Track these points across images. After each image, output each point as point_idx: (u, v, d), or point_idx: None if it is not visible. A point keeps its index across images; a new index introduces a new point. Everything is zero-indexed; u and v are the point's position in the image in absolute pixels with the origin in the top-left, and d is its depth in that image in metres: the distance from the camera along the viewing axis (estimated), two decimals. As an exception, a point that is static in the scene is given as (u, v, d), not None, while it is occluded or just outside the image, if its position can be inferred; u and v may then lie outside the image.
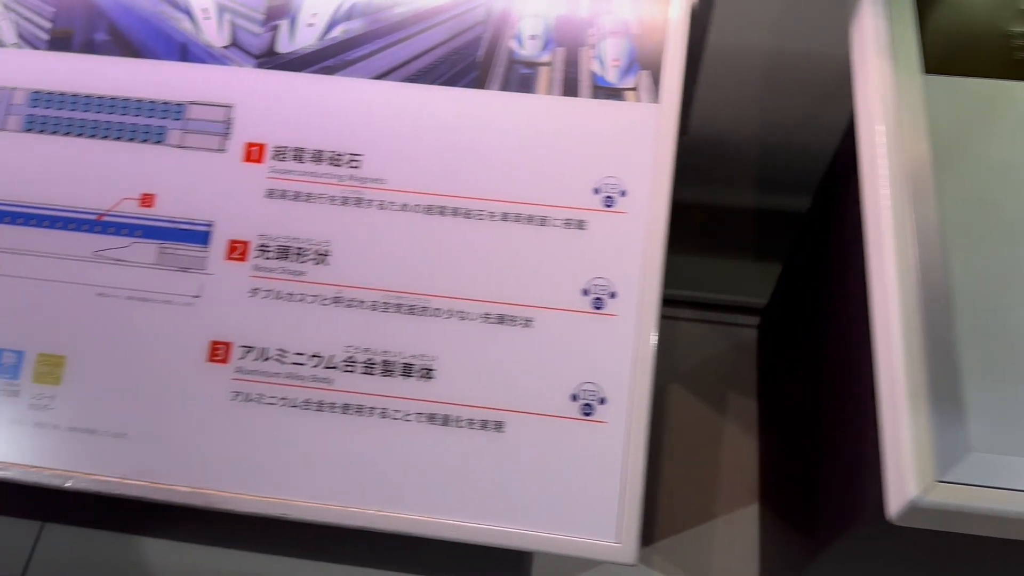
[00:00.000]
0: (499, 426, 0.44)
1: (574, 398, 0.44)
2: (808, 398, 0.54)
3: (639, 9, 0.46)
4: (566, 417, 0.44)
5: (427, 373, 0.44)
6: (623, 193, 0.45)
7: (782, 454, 0.62)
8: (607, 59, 0.46)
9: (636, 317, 0.44)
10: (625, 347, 0.44)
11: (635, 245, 0.45)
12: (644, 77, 0.46)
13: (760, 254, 0.69)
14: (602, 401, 0.43)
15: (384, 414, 0.44)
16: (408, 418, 0.44)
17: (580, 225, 0.45)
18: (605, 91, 0.46)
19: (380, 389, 0.45)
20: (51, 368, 0.45)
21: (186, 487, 0.43)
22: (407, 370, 0.44)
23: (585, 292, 0.45)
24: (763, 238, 0.69)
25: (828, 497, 0.46)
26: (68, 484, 0.43)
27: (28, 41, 0.48)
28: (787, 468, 0.60)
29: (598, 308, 0.44)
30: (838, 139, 0.52)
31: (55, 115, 0.47)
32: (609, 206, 0.45)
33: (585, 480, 0.43)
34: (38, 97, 0.47)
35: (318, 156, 0.46)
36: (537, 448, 0.44)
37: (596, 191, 0.46)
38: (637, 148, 0.45)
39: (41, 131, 0.47)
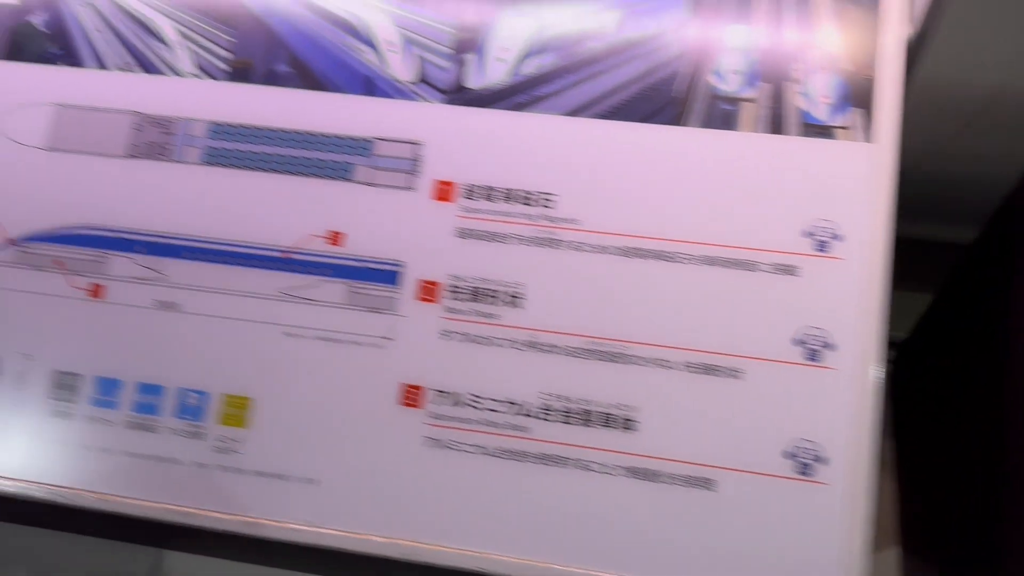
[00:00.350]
0: (708, 483, 0.47)
1: (789, 456, 0.47)
2: (978, 443, 0.56)
3: (849, 43, 0.50)
4: (781, 476, 0.47)
5: (629, 424, 0.48)
6: (837, 237, 0.48)
7: (936, 498, 0.63)
8: (816, 95, 0.50)
9: (855, 370, 0.47)
10: (843, 402, 0.47)
11: (852, 293, 0.48)
12: (856, 114, 0.50)
13: (900, 285, 0.72)
14: (819, 460, 0.46)
15: (584, 466, 0.48)
16: (610, 471, 0.48)
17: (790, 270, 0.49)
18: (814, 129, 0.50)
19: (579, 439, 0.48)
20: (237, 410, 0.50)
21: (381, 537, 0.47)
22: (607, 420, 0.48)
23: (798, 342, 0.48)
24: (905, 268, 0.71)
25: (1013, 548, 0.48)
26: (259, 533, 0.47)
27: (206, 71, 0.54)
28: (945, 513, 0.61)
29: (812, 360, 0.48)
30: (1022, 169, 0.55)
31: (236, 148, 0.53)
32: (822, 251, 0.48)
33: (801, 545, 0.45)
34: (218, 129, 0.53)
35: (509, 195, 0.50)
36: (749, 508, 0.47)
37: (807, 234, 0.49)
38: (851, 190, 0.49)
39: (221, 164, 0.53)
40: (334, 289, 0.56)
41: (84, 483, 0.54)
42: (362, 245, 0.56)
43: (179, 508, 0.53)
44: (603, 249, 0.54)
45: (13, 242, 0.58)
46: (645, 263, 0.54)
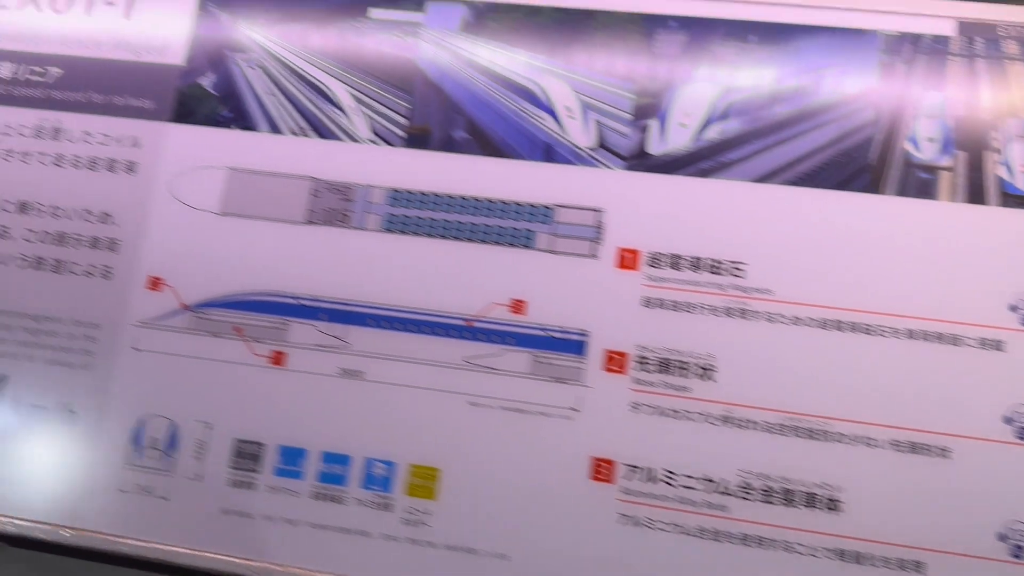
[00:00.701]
0: (919, 567, 0.52)
1: (1002, 538, 0.51)
2: None
3: (1049, 110, 0.54)
4: (995, 559, 0.51)
5: (833, 504, 0.52)
6: (1047, 311, 0.52)
7: None
8: (1015, 164, 0.55)
9: (1075, 451, 0.51)
10: (1062, 484, 0.51)
11: (1066, 370, 0.52)
12: (1061, 185, 0.54)
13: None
14: (1038, 543, 0.50)
15: (788, 547, 0.52)
16: (815, 553, 0.52)
17: (997, 346, 0.53)
18: (1015, 199, 0.55)
19: (782, 519, 0.53)
20: (425, 481, 0.55)
21: None
22: (810, 500, 0.53)
23: (1008, 420, 0.52)
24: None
25: None
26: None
27: (383, 137, 0.60)
28: None
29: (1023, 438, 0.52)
30: None
31: (415, 215, 0.59)
32: (1031, 326, 0.52)
33: (1020, 632, 0.49)
34: (397, 196, 0.59)
35: (696, 264, 0.56)
36: (964, 593, 0.50)
37: (1013, 308, 0.53)
38: (1059, 263, 0.53)
39: (401, 231, 0.59)
40: (519, 358, 0.61)
41: (270, 555, 0.60)
42: (545, 313, 0.61)
43: (368, 582, 0.58)
44: (798, 321, 0.59)
45: (188, 307, 0.64)
46: (844, 336, 0.58)
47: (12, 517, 0.62)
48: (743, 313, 0.60)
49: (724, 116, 0.63)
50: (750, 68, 0.63)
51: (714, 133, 0.63)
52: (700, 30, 0.64)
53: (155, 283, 0.65)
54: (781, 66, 0.63)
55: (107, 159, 0.67)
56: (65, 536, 0.61)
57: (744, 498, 0.57)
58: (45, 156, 0.68)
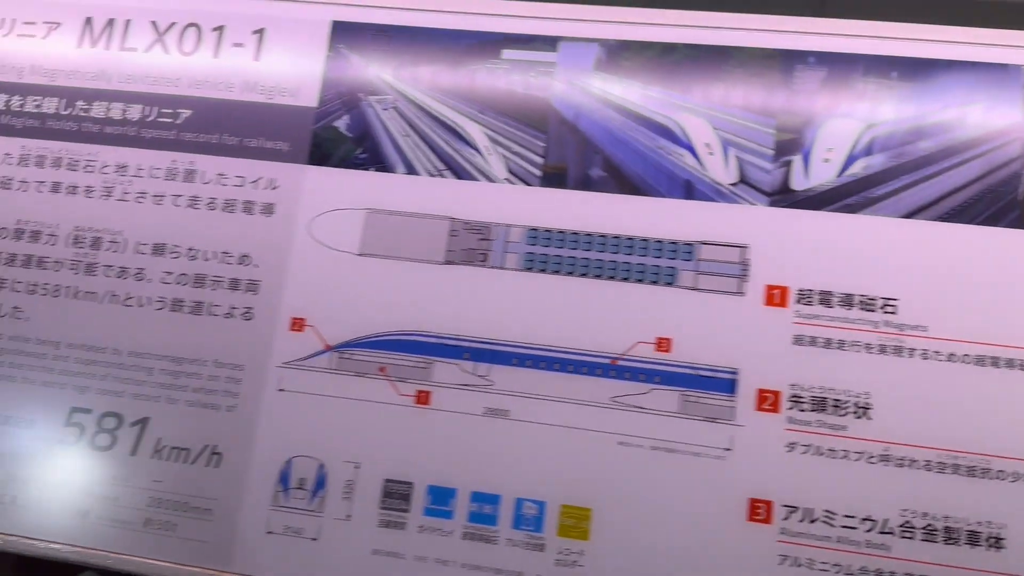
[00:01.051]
0: None
1: None
2: None
3: None
4: None
5: (996, 542, 0.58)
6: None
7: None
8: None
9: None
10: None
11: None
12: None
13: None
14: None
15: None
16: None
17: None
18: None
19: (944, 558, 0.59)
20: (576, 521, 0.62)
21: None
22: (973, 538, 0.58)
23: None
24: None
25: None
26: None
27: (520, 177, 0.68)
28: None
29: None
30: None
31: (555, 253, 0.66)
32: None
33: None
34: (536, 235, 0.66)
35: (848, 300, 0.62)
36: None
37: None
38: None
39: (542, 270, 0.66)
40: (667, 397, 0.68)
41: (421, 596, 0.66)
42: (692, 351, 0.68)
43: (524, 624, 0.64)
44: (953, 357, 0.65)
45: (331, 348, 0.72)
46: (1001, 372, 0.64)
47: (158, 560, 0.70)
48: (897, 350, 0.66)
49: (868, 151, 0.70)
50: (892, 103, 0.70)
51: (858, 168, 0.70)
52: (840, 65, 0.71)
53: (298, 324, 0.73)
54: (924, 101, 0.70)
55: (244, 201, 0.76)
56: (212, 578, 0.69)
57: (906, 537, 0.63)
58: (179, 198, 0.76)
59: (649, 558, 0.65)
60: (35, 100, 0.81)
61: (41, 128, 0.80)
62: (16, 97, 0.81)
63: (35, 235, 0.77)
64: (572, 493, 0.67)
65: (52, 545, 0.71)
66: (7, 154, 0.80)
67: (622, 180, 0.73)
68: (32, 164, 0.79)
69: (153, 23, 0.81)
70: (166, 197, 0.77)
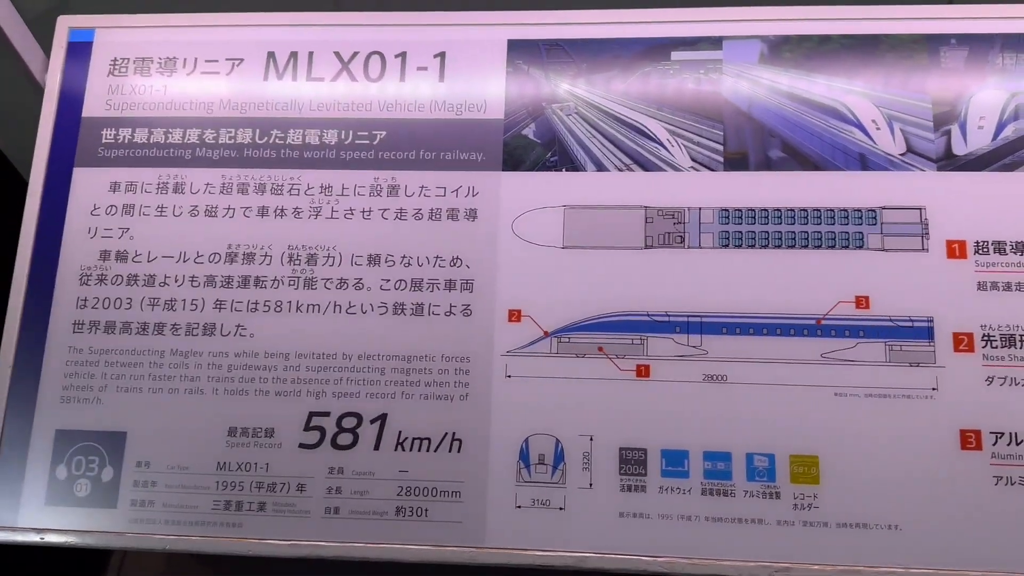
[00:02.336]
0: None
1: None
2: None
3: None
4: None
5: None
6: None
7: None
8: None
9: None
10: None
11: None
12: None
13: None
14: None
15: None
16: None
17: None
18: None
19: None
20: (806, 468, 0.71)
21: (976, 571, 0.66)
22: None
23: None
24: None
25: None
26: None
27: (704, 164, 0.77)
28: None
29: None
30: None
31: (748, 230, 0.76)
32: None
33: None
34: (727, 214, 0.75)
35: (1020, 247, 0.72)
36: None
37: None
38: None
39: (737, 246, 0.75)
40: (873, 349, 0.77)
41: (672, 551, 0.74)
42: (889, 306, 0.77)
43: (774, 564, 0.72)
44: (1121, 288, 0.75)
45: (549, 334, 0.80)
46: None
47: (414, 544, 0.76)
48: (1069, 286, 0.76)
49: (1015, 117, 0.80)
50: (1029, 73, 0.81)
51: (1010, 132, 0.80)
52: (979, 44, 0.82)
53: (515, 315, 0.80)
54: (1059, 68, 0.81)
55: (448, 208, 0.84)
56: (469, 553, 0.76)
57: (1106, 449, 0.72)
58: (386, 211, 0.84)
59: (877, 494, 0.74)
60: (228, 132, 0.89)
61: (239, 157, 0.88)
62: (209, 131, 0.89)
63: (249, 257, 0.84)
64: (798, 443, 0.76)
65: (299, 543, 0.78)
66: (208, 184, 0.87)
67: (801, 158, 0.82)
68: (235, 191, 0.86)
69: (336, 53, 0.89)
70: (373, 212, 0.85)
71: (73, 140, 0.90)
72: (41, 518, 0.81)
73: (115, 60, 0.92)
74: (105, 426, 0.82)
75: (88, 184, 0.89)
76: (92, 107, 0.91)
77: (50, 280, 0.86)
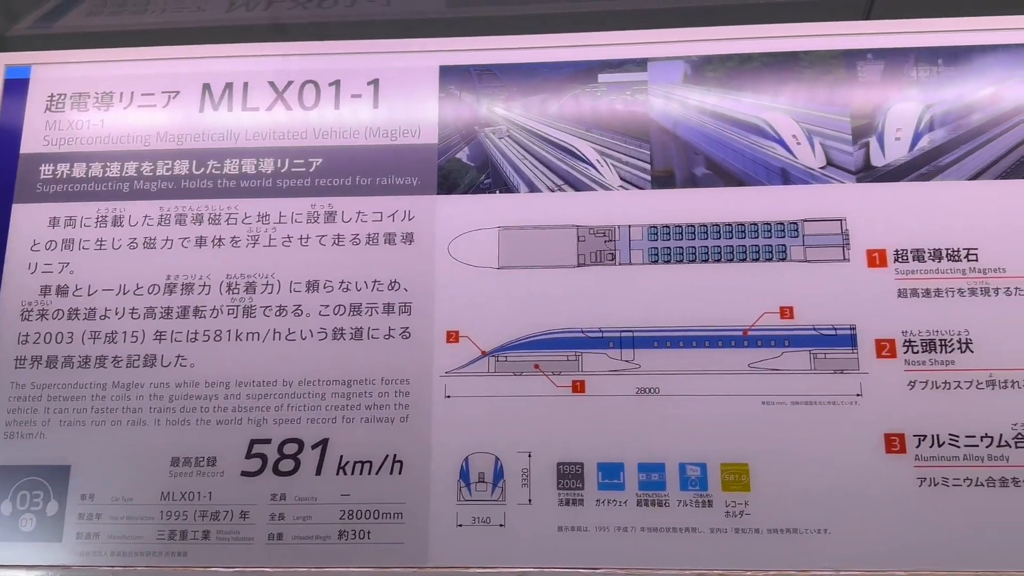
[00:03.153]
0: None
1: None
2: None
3: None
4: None
5: None
6: None
7: None
8: None
9: None
10: None
11: None
12: None
13: None
14: None
15: None
16: None
17: None
18: None
19: None
20: (737, 476, 0.74)
21: (903, 571, 0.69)
22: None
23: None
24: None
25: None
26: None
27: (632, 183, 0.82)
28: None
29: None
30: None
31: (676, 245, 0.79)
32: None
33: None
34: (656, 231, 0.79)
35: (937, 255, 0.76)
36: None
37: None
38: None
39: (666, 261, 0.78)
40: (798, 357, 0.80)
41: (608, 562, 0.76)
42: (813, 315, 0.80)
43: (708, 572, 0.74)
44: (1033, 291, 0.79)
45: (487, 353, 0.82)
46: (1075, 298, 0.78)
47: (357, 567, 0.78)
48: (984, 291, 0.79)
49: (930, 128, 0.84)
50: (943, 86, 0.85)
51: (925, 143, 0.84)
52: (895, 58, 0.86)
53: (453, 336, 0.83)
54: (969, 81, 0.85)
55: (385, 233, 0.86)
56: (412, 574, 0.77)
57: (1020, 447, 0.75)
58: (324, 237, 0.86)
59: (806, 499, 0.77)
60: (166, 164, 0.90)
61: (176, 189, 0.90)
62: (146, 163, 0.91)
63: (188, 287, 0.86)
64: (729, 452, 0.79)
65: (244, 570, 0.79)
66: (147, 216, 0.88)
67: (725, 175, 0.85)
68: (173, 223, 0.88)
69: (271, 83, 0.91)
70: (311, 238, 0.87)
71: (12, 176, 0.92)
72: (-13, 555, 0.82)
73: (52, 96, 0.94)
74: (49, 460, 0.84)
75: (27, 220, 0.90)
76: (30, 143, 0.93)
77: (-9, 316, 0.88)
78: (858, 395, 0.79)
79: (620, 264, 0.84)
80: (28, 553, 0.82)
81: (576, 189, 0.87)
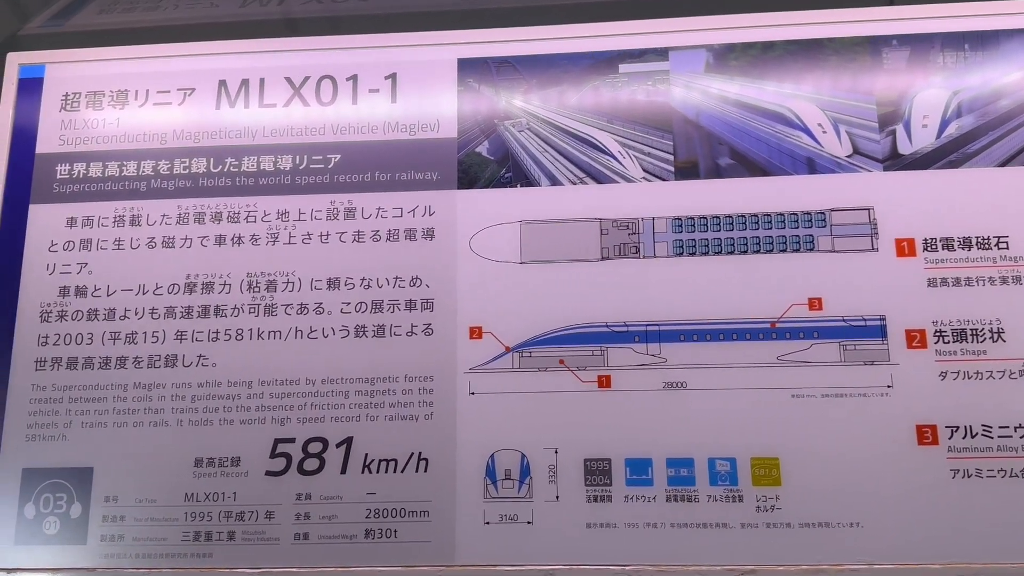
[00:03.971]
0: None
1: None
2: None
3: None
4: None
5: None
6: None
7: None
8: None
9: None
10: None
11: None
12: None
13: None
14: None
15: None
16: None
17: None
18: None
19: None
20: (767, 470, 0.73)
21: (937, 564, 0.69)
22: None
23: None
24: None
25: None
26: None
27: (655, 175, 0.80)
28: None
29: None
30: None
31: (701, 237, 0.78)
32: None
33: None
34: (680, 223, 0.78)
35: (967, 243, 0.75)
36: None
37: None
38: None
39: (691, 254, 0.77)
40: (827, 349, 0.79)
41: (638, 559, 0.75)
42: (842, 306, 0.80)
43: (739, 567, 0.74)
44: (1066, 278, 0.78)
45: (511, 349, 0.81)
46: (1109, 285, 0.77)
47: (384, 567, 0.78)
48: (1016, 279, 0.78)
49: (958, 114, 0.83)
50: (970, 71, 0.84)
51: (953, 130, 0.83)
52: (920, 44, 0.85)
53: (476, 332, 0.82)
54: (996, 66, 0.84)
55: (405, 229, 0.86)
56: (439, 572, 0.77)
57: (1057, 438, 0.75)
58: (344, 234, 0.86)
59: (838, 493, 0.76)
60: (183, 162, 0.90)
61: (195, 187, 0.89)
62: (163, 162, 0.90)
63: (208, 286, 0.86)
64: (759, 446, 0.78)
65: (270, 570, 0.79)
66: (165, 215, 0.88)
67: (750, 164, 0.85)
68: (192, 221, 0.88)
69: (287, 79, 0.91)
70: (331, 235, 0.86)
71: (28, 177, 0.91)
72: (11, 558, 0.82)
73: (67, 95, 0.94)
74: (72, 462, 0.84)
75: (45, 221, 0.90)
76: (46, 143, 0.92)
77: (11, 318, 0.88)
78: (889, 387, 0.78)
79: (644, 257, 0.83)
80: (52, 556, 0.82)
81: (598, 181, 0.86)
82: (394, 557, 0.79)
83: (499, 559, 0.78)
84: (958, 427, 0.77)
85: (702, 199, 0.84)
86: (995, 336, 0.78)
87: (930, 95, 0.85)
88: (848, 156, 0.84)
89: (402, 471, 0.81)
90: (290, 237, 0.87)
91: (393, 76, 0.91)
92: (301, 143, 0.90)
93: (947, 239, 0.81)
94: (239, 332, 0.85)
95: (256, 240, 0.87)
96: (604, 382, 0.81)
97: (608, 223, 0.85)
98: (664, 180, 0.86)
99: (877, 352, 0.79)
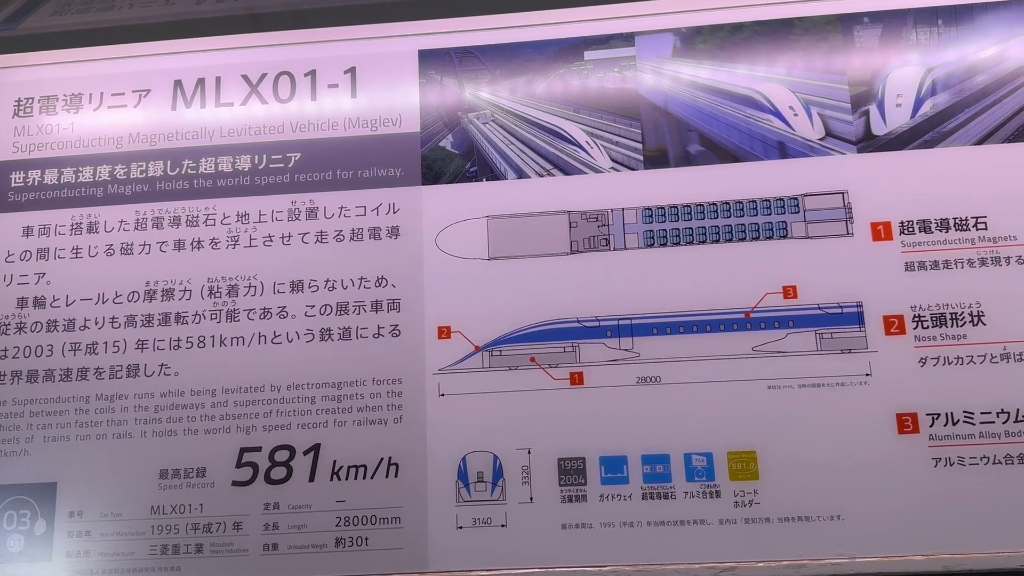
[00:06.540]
0: None
1: None
2: None
3: None
4: None
5: None
6: None
7: None
8: None
9: None
10: None
11: None
12: None
13: None
14: None
15: None
16: None
17: None
18: None
19: None
20: (744, 464, 0.72)
21: (920, 556, 0.67)
22: None
23: None
24: None
25: None
26: (803, 574, 0.68)
27: (624, 164, 0.79)
28: None
29: None
30: None
31: (672, 227, 0.77)
32: None
33: None
34: (650, 214, 0.76)
35: (944, 224, 0.73)
36: None
37: None
38: None
39: (662, 244, 0.75)
40: (804, 338, 0.77)
41: (615, 559, 0.74)
42: (817, 294, 0.78)
43: (719, 564, 0.73)
44: (1046, 258, 0.77)
45: (480, 348, 0.80)
46: (1090, 264, 0.76)
47: (361, 574, 0.76)
48: (995, 260, 0.77)
49: (932, 92, 0.81)
50: (944, 47, 0.82)
51: (928, 108, 0.81)
52: (892, 21, 0.83)
53: (444, 332, 0.81)
54: (971, 41, 0.82)
55: (369, 227, 0.84)
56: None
57: (1040, 422, 0.74)
58: (306, 235, 0.84)
59: (817, 486, 0.75)
60: (140, 166, 0.88)
61: (152, 191, 0.87)
62: (120, 166, 0.88)
63: (168, 293, 0.84)
64: (735, 440, 0.77)
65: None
66: (122, 221, 0.86)
67: (720, 151, 0.83)
68: (150, 226, 0.86)
69: (244, 76, 0.89)
70: (293, 237, 0.84)
71: (-19, 185, 0.90)
72: (-24, 577, 0.81)
73: (19, 100, 0.92)
74: (34, 478, 0.82)
75: (0, 230, 0.88)
76: (-2, 150, 0.91)
77: (-32, 332, 0.86)
78: (867, 375, 0.77)
79: (615, 249, 0.82)
80: (17, 574, 0.81)
81: (566, 173, 0.84)
82: (366, 565, 0.77)
83: (473, 564, 0.76)
84: (939, 414, 0.75)
85: (672, 188, 0.82)
86: (975, 320, 0.77)
87: (904, 73, 0.83)
88: (821, 139, 0.82)
89: (372, 477, 0.79)
90: (251, 239, 0.85)
91: (352, 70, 0.89)
92: (260, 142, 0.88)
93: (924, 221, 0.79)
94: (201, 339, 0.83)
95: (216, 244, 0.85)
96: (576, 379, 0.79)
97: (577, 215, 0.83)
98: (633, 169, 0.84)
99: (854, 340, 0.77)
